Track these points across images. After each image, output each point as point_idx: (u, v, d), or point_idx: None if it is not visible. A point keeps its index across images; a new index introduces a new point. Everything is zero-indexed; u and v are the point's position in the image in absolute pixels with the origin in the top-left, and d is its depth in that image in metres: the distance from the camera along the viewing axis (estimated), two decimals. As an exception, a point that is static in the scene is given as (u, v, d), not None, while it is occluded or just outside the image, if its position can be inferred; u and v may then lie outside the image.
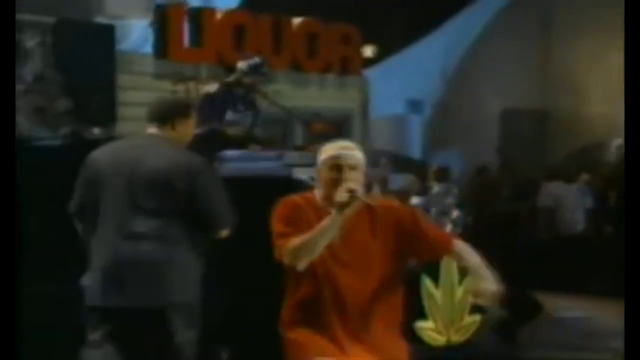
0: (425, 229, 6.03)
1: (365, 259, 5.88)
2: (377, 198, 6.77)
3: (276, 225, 5.92)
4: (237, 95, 11.07)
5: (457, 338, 11.24)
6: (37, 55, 13.76)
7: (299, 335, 6.03)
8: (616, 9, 20.63)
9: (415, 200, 14.39)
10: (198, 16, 15.38)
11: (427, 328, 10.85)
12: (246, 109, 11.22)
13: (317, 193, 6.02)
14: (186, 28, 14.93)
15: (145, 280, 6.14)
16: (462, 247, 6.01)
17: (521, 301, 13.88)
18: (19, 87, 12.55)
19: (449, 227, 13.54)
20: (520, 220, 18.83)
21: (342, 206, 5.50)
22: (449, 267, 11.21)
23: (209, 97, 11.00)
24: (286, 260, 5.83)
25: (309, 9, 17.79)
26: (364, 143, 16.46)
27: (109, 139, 12.56)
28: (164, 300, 6.07)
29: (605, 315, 14.36)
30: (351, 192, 5.51)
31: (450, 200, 14.34)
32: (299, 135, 15.19)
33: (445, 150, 22.54)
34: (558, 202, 17.54)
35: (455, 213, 14.13)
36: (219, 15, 15.76)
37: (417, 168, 19.93)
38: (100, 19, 16.34)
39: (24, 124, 12.25)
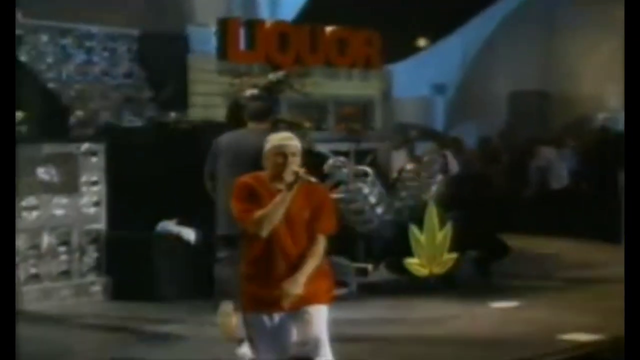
0: (321, 215, 7.07)
1: (300, 224, 6.91)
2: (309, 179, 7.18)
3: (237, 204, 6.97)
4: (269, 95, 12.92)
5: (437, 270, 13.03)
6: (126, 58, 14.86)
7: (250, 288, 7.28)
8: (608, 8, 22.06)
9: (409, 166, 14.52)
10: (251, 26, 15.70)
11: (414, 263, 12.84)
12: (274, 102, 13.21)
13: (266, 174, 6.90)
14: (242, 35, 15.20)
15: None
16: (317, 245, 6.95)
17: (494, 243, 14.29)
18: (112, 82, 14.74)
19: (433, 189, 13.80)
20: (519, 176, 19.99)
21: (290, 185, 6.51)
22: (431, 218, 13.22)
23: (253, 97, 13.55)
24: (251, 229, 6.82)
25: (354, 17, 18.35)
26: (386, 121, 17.42)
27: (182, 121, 14.20)
28: None
29: (578, 253, 16.26)
30: (296, 173, 6.52)
31: (436, 167, 14.37)
32: (332, 115, 16.28)
33: (462, 124, 23.37)
34: (549, 162, 19.40)
35: (439, 178, 14.18)
36: (267, 25, 16.11)
37: (439, 138, 20.89)
38: (190, 26, 16.71)
39: (118, 110, 14.70)
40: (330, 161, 13.17)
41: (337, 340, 9.07)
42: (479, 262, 14.12)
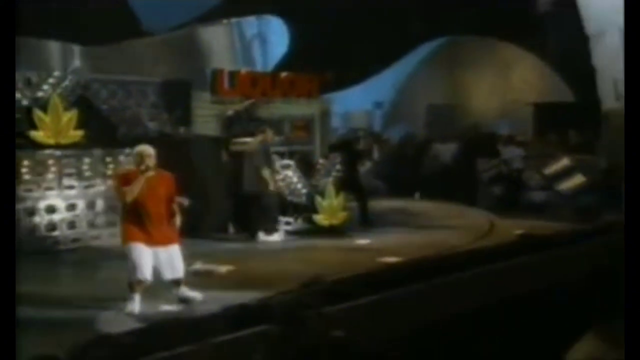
0: (170, 190, 9.23)
1: (158, 194, 9.03)
2: (159, 170, 9.24)
3: (118, 186, 9.37)
4: (240, 117, 15.23)
5: (335, 222, 14.52)
6: (153, 95, 15.34)
7: (129, 228, 9.07)
8: (490, 51, 22.05)
9: (321, 160, 16.19)
10: (232, 74, 16.17)
11: (319, 218, 14.46)
12: (248, 121, 15.11)
13: (132, 168, 9.22)
14: (226, 79, 15.77)
15: None
16: (173, 209, 9.19)
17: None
18: (147, 112, 15.45)
19: (332, 174, 15.60)
20: (421, 161, 20.63)
21: (143, 172, 8.77)
22: (330, 191, 14.72)
23: (229, 118, 15.18)
24: (124, 199, 9.01)
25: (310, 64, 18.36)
26: (323, 130, 17.60)
27: (187, 135, 15.04)
28: None
29: (437, 210, 17.46)
30: (147, 167, 8.76)
31: (334, 162, 15.91)
32: (287, 127, 16.57)
33: (394, 128, 23.44)
34: (440, 152, 20.35)
35: (337, 167, 15.73)
36: (242, 73, 16.66)
37: (375, 137, 21.73)
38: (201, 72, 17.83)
39: (151, 125, 15.27)
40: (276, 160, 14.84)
41: (272, 260, 11.88)
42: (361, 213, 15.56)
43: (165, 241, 8.98)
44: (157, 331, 6.92)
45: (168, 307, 8.96)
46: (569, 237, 12.54)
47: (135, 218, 8.97)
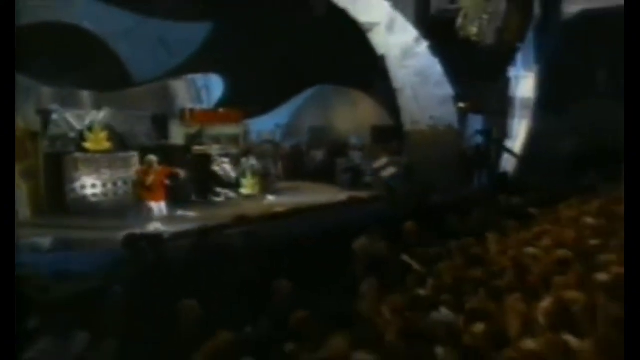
0: (161, 179, 10.96)
1: (159, 178, 10.99)
2: (158, 166, 10.92)
3: (140, 176, 11.14)
4: (197, 135, 16.55)
5: (251, 192, 16.51)
6: (146, 124, 16.18)
7: (145, 196, 11.66)
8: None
9: (244, 159, 16.90)
10: (192, 110, 17.29)
11: (242, 190, 16.32)
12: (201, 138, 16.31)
13: (145, 167, 11.06)
14: (188, 113, 17.13)
15: None
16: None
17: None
18: (144, 132, 15.96)
19: (250, 164, 16.61)
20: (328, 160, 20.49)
21: (151, 169, 10.77)
22: (247, 175, 16.35)
23: (191, 135, 16.60)
24: (145, 183, 10.84)
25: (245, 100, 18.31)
26: (245, 142, 18.30)
27: (166, 144, 15.83)
28: None
29: (314, 189, 17.75)
30: (153, 167, 10.70)
31: (252, 161, 17.17)
32: (224, 140, 17.18)
33: (288, 140, 22.38)
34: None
35: (252, 161, 16.78)
36: (196, 110, 17.60)
37: (276, 146, 21.28)
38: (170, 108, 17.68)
39: (145, 139, 15.92)
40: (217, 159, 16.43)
41: (218, 210, 13.33)
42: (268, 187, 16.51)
43: (159, 199, 11.79)
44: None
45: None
46: (373, 199, 14.68)
47: (147, 190, 11.74)
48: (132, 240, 7.55)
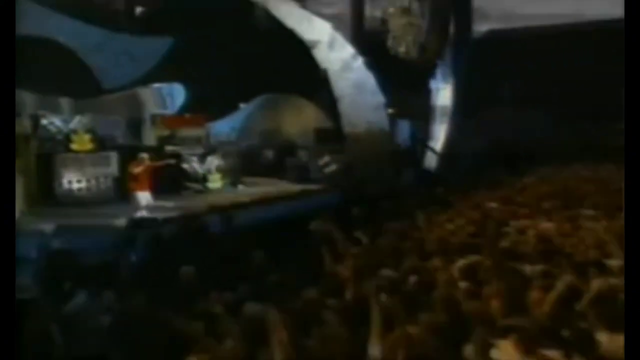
0: (148, 173, 11.02)
1: (146, 172, 10.88)
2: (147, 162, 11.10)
3: (132, 168, 11.07)
4: (167, 137, 16.50)
5: (216, 185, 16.24)
6: (123, 127, 16.40)
7: (134, 187, 11.57)
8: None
9: (208, 158, 16.88)
10: (162, 115, 17.33)
11: (208, 183, 16.09)
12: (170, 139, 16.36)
13: (137, 162, 11.08)
14: (159, 118, 17.04)
15: None
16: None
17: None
18: (121, 135, 15.91)
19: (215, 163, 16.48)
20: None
21: (141, 164, 11.04)
22: (213, 171, 16.42)
23: (162, 137, 16.70)
24: (135, 174, 10.74)
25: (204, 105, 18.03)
26: (206, 143, 17.85)
27: (138, 144, 15.54)
28: None
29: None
30: (144, 162, 10.87)
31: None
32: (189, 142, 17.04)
33: (243, 142, 20.90)
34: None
35: (216, 160, 16.84)
36: (166, 115, 17.63)
37: (232, 146, 19.77)
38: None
39: (121, 140, 15.89)
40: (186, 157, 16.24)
41: (190, 200, 13.62)
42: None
43: (144, 189, 12.03)
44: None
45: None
46: (321, 191, 15.61)
47: (135, 180, 12.10)
48: (135, 223, 8.21)
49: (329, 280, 5.32)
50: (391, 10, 19.76)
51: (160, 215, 10.73)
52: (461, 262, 5.30)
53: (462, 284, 4.82)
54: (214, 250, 7.29)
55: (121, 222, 9.77)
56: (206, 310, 4.65)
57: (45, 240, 7.29)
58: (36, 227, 9.62)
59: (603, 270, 5.00)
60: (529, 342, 3.26)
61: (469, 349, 3.40)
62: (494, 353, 3.24)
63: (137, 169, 11.89)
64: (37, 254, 6.78)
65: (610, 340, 3.47)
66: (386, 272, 5.30)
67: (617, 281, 4.42)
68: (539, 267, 5.06)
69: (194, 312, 4.59)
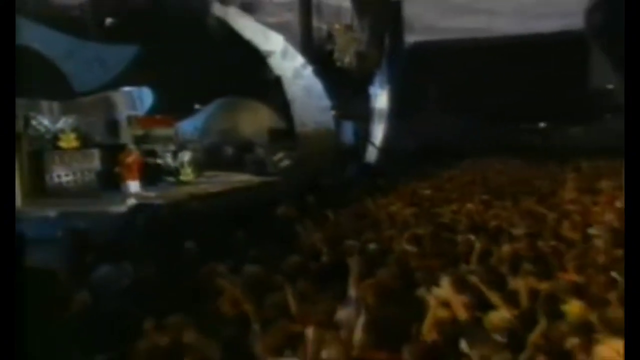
0: (137, 163, 11.00)
1: (136, 163, 10.98)
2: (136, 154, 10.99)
3: (122, 160, 11.12)
4: (142, 136, 16.09)
5: (187, 178, 15.67)
6: (102, 127, 16.06)
7: (125, 177, 11.39)
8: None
9: (181, 153, 16.30)
10: (136, 117, 16.89)
11: (180, 177, 15.48)
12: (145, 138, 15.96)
13: (126, 154, 11.25)
14: (134, 119, 16.55)
15: None
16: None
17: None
18: (100, 134, 15.63)
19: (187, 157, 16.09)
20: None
21: (130, 156, 11.14)
22: (185, 165, 15.94)
23: (137, 136, 16.25)
24: (125, 164, 10.93)
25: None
26: (175, 141, 17.28)
27: (116, 143, 15.35)
28: None
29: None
30: (132, 154, 10.84)
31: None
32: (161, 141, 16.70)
33: (205, 140, 20.20)
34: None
35: (188, 155, 16.41)
36: (139, 116, 17.20)
37: (196, 144, 19.10)
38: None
39: (100, 139, 15.75)
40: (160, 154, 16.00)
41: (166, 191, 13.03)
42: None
43: (134, 179, 12.42)
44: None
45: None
46: (278, 183, 15.21)
47: (126, 169, 12.32)
48: (137, 207, 8.88)
49: (308, 249, 6.13)
50: (337, 26, 20.53)
51: (156, 201, 11.28)
52: (407, 234, 6.38)
53: (410, 248, 5.94)
54: (203, 230, 7.44)
55: (118, 208, 10.25)
56: (213, 269, 5.15)
57: (67, 223, 7.63)
58: (39, 214, 10.15)
59: (511, 237, 6.43)
60: (460, 282, 4.19)
61: (421, 291, 4.29)
62: (437, 290, 4.06)
63: (129, 158, 12.15)
64: (60, 235, 6.96)
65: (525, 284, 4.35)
66: (350, 242, 6.40)
67: (520, 245, 5.91)
68: (465, 237, 6.30)
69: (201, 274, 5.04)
